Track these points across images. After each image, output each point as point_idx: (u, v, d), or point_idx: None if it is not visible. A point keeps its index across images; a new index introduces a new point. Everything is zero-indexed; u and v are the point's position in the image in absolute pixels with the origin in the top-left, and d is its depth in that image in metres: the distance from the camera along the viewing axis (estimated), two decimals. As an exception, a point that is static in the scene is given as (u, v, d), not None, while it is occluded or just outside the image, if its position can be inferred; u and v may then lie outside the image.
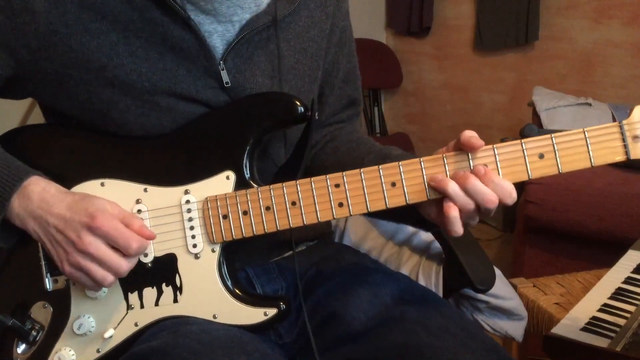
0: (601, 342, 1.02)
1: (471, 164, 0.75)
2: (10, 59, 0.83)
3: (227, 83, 0.85)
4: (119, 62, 0.82)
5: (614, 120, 2.42)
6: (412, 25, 3.43)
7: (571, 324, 1.10)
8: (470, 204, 0.74)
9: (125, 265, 0.77)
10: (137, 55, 0.82)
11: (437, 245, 1.12)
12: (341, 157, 0.97)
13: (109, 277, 0.77)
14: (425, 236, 1.15)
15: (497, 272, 1.09)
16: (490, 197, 0.73)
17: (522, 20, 2.98)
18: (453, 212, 0.74)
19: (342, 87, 1.03)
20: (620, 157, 0.74)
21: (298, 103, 0.84)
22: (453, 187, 0.74)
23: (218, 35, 0.85)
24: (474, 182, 0.73)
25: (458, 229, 0.75)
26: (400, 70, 3.57)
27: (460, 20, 3.32)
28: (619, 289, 1.24)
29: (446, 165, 0.76)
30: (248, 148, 0.83)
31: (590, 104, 2.51)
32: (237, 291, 0.83)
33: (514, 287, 1.39)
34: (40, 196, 0.78)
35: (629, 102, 2.69)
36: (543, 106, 2.49)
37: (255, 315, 0.82)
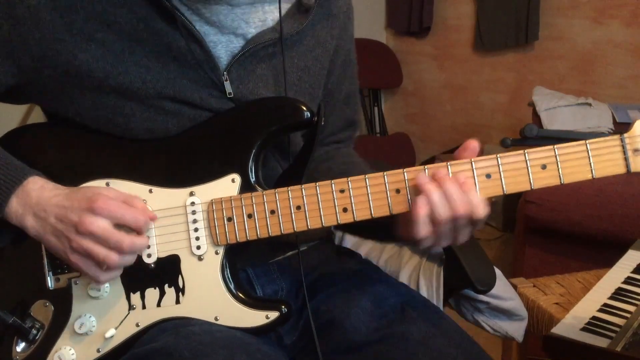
0: (601, 342, 1.03)
1: (475, 173, 0.76)
2: (13, 67, 0.83)
3: (230, 94, 0.86)
4: (123, 70, 0.82)
5: (614, 120, 2.42)
6: (412, 25, 3.43)
7: (571, 324, 1.10)
8: (442, 208, 0.74)
9: (127, 239, 0.77)
10: (141, 64, 0.82)
11: (437, 245, 1.12)
12: (334, 177, 0.98)
13: (112, 255, 0.76)
14: (426, 237, 1.15)
15: (498, 272, 1.10)
16: (459, 205, 0.74)
17: (522, 20, 2.98)
18: (423, 211, 0.74)
19: (343, 108, 1.04)
20: (621, 170, 0.75)
21: (304, 108, 0.84)
22: (430, 187, 0.75)
23: (222, 46, 0.86)
24: (450, 187, 0.74)
25: (424, 231, 0.75)
26: (400, 70, 3.57)
27: (460, 20, 3.32)
28: (619, 289, 1.24)
29: (450, 174, 0.76)
30: (254, 151, 0.83)
31: (590, 104, 2.50)
32: (239, 294, 0.83)
33: (514, 287, 1.39)
34: (38, 193, 0.79)
35: (629, 102, 2.69)
36: (543, 106, 2.49)
37: (256, 318, 0.83)
